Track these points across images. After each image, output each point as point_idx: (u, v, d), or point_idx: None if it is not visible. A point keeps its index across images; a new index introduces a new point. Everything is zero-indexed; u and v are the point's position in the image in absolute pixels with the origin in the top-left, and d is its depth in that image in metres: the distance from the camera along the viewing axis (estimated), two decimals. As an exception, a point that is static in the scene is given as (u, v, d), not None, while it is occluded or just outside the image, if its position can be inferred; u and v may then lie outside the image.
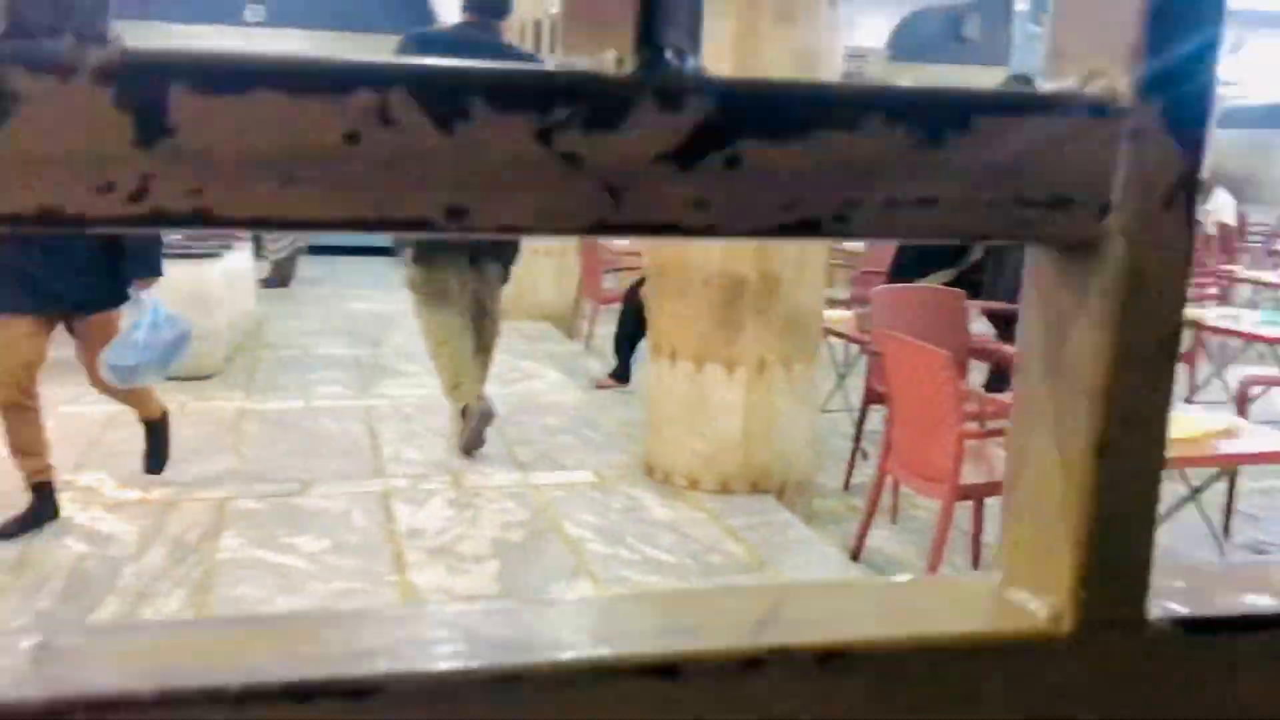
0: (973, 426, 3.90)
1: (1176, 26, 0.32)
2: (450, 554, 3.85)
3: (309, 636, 0.33)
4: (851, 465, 5.04)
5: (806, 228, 0.30)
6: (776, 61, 4.30)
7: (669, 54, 0.29)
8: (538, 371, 6.65)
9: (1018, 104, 0.32)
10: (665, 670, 0.32)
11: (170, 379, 5.95)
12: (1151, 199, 0.33)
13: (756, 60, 4.24)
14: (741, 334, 4.45)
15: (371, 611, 0.37)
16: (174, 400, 5.52)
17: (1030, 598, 0.36)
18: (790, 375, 4.56)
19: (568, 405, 5.88)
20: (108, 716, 0.29)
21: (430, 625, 0.35)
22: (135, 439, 4.30)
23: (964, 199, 0.31)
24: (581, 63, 0.30)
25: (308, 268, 10.36)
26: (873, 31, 12.49)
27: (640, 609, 0.37)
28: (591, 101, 0.29)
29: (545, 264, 8.25)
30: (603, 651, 0.32)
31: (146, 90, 0.27)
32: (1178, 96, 0.32)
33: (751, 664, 0.33)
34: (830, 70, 4.42)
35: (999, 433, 3.98)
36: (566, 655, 0.31)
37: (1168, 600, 0.36)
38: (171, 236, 6.97)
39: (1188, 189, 0.33)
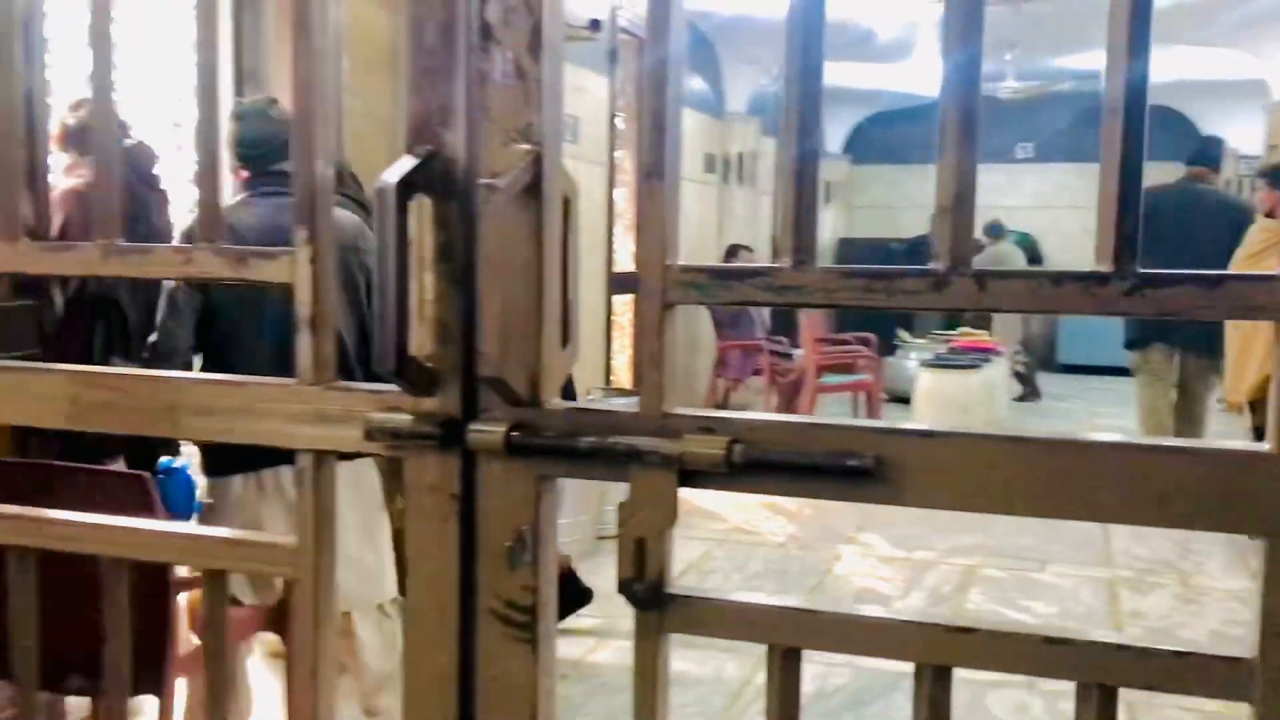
0: None
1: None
2: (1169, 636, 4.28)
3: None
4: None
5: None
6: None
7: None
8: None
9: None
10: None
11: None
12: None
13: None
14: None
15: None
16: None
17: (1270, 443, 1.05)
18: None
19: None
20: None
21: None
22: (902, 510, 5.28)
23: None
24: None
25: (1058, 384, 10.95)
26: None
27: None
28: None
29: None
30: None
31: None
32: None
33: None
34: None
35: None
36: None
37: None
38: (937, 350, 8.13)
39: None
